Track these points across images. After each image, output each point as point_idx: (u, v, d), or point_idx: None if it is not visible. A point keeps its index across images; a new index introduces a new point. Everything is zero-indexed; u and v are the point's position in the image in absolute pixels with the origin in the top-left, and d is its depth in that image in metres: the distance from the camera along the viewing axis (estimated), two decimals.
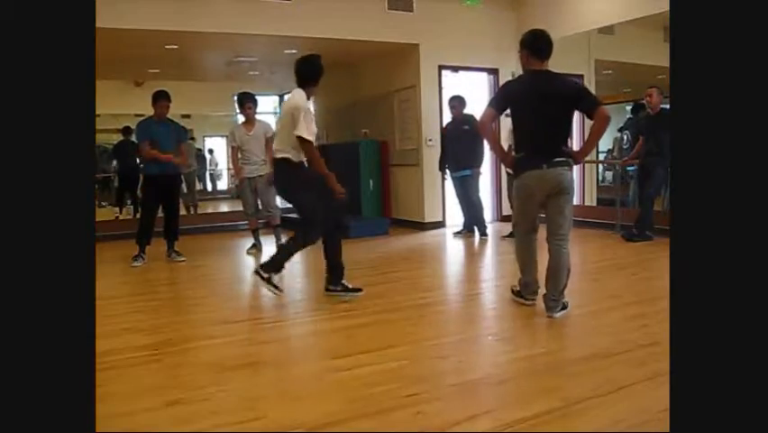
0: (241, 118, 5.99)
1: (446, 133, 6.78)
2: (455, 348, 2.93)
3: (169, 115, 5.41)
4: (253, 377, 2.54)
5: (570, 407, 2.09)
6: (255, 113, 5.81)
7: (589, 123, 3.32)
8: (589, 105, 3.21)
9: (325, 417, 2.07)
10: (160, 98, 5.26)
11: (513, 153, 3.69)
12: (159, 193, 5.39)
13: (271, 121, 6.99)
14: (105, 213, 8.23)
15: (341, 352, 2.78)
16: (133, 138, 6.65)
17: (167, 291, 4.69)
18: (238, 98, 5.83)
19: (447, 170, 6.73)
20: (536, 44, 3.28)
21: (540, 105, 3.20)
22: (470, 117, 6.52)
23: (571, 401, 2.13)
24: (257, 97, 5.94)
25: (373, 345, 2.88)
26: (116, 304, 3.89)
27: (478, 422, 2.01)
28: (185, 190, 7.84)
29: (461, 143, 6.39)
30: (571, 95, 3.25)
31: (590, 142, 3.41)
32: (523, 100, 3.29)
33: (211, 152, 11.03)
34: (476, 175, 6.55)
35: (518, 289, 3.57)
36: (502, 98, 3.45)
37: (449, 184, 7.02)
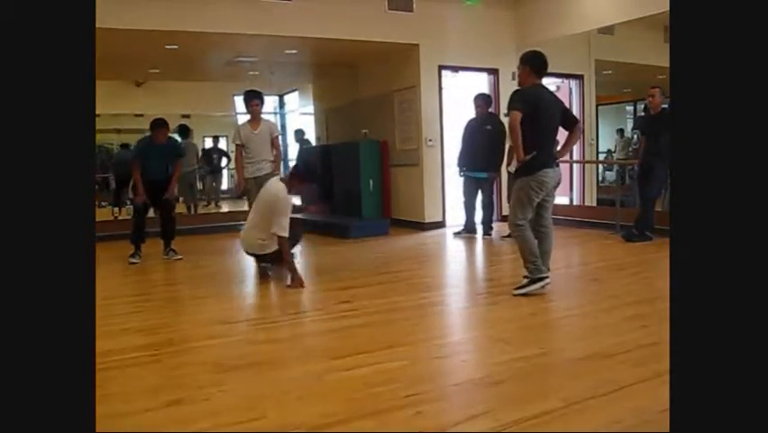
0: (241, 119, 5.94)
1: (467, 129, 6.58)
2: (455, 348, 2.93)
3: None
4: (253, 377, 2.54)
5: (569, 407, 2.09)
6: (261, 111, 5.73)
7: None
8: (573, 120, 3.97)
9: (325, 417, 2.07)
10: (159, 126, 5.47)
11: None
12: (148, 197, 5.54)
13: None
14: (104, 213, 8.23)
15: (341, 352, 2.78)
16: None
17: (166, 291, 4.69)
18: (245, 95, 5.74)
19: (464, 169, 6.54)
20: (539, 63, 3.78)
21: (554, 114, 3.81)
22: (494, 117, 6.49)
23: (571, 401, 2.13)
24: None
25: (373, 345, 2.88)
26: (116, 304, 3.89)
27: (477, 422, 2.01)
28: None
29: (480, 143, 6.31)
30: (562, 109, 3.93)
31: (567, 148, 4.05)
32: (548, 108, 3.76)
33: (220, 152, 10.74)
34: (491, 179, 6.53)
35: (530, 277, 3.78)
36: (527, 103, 3.68)
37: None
